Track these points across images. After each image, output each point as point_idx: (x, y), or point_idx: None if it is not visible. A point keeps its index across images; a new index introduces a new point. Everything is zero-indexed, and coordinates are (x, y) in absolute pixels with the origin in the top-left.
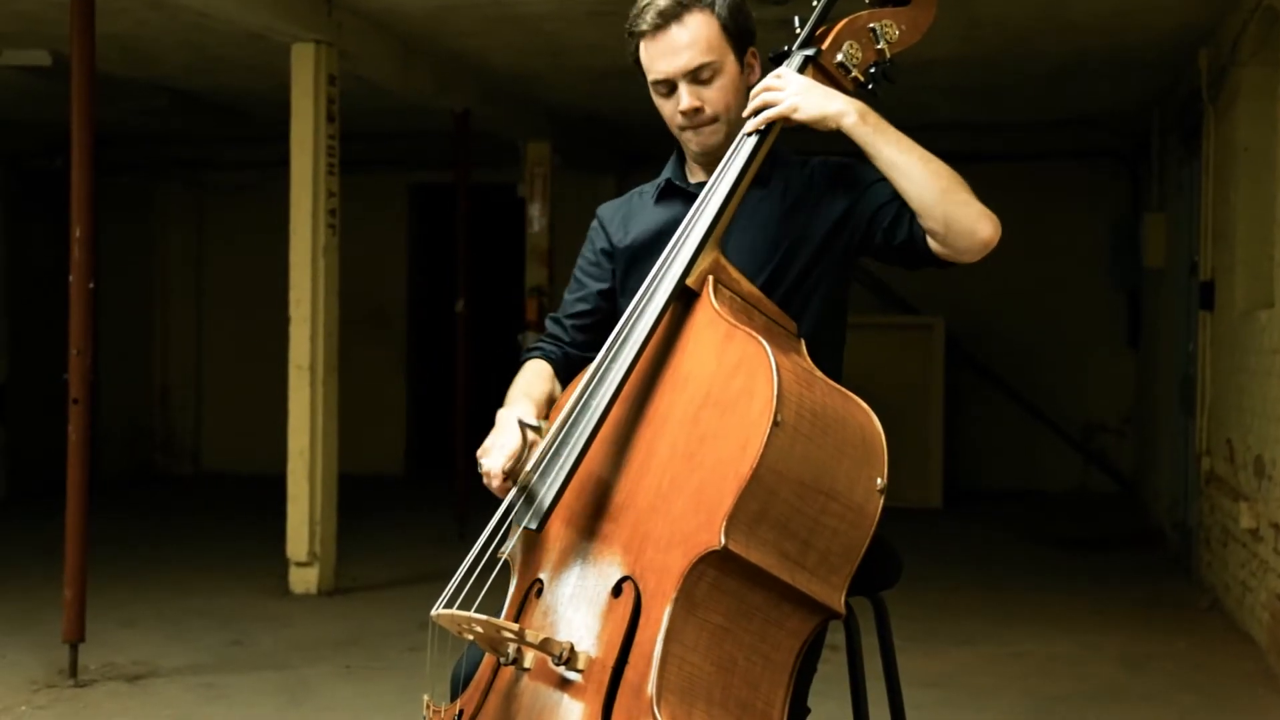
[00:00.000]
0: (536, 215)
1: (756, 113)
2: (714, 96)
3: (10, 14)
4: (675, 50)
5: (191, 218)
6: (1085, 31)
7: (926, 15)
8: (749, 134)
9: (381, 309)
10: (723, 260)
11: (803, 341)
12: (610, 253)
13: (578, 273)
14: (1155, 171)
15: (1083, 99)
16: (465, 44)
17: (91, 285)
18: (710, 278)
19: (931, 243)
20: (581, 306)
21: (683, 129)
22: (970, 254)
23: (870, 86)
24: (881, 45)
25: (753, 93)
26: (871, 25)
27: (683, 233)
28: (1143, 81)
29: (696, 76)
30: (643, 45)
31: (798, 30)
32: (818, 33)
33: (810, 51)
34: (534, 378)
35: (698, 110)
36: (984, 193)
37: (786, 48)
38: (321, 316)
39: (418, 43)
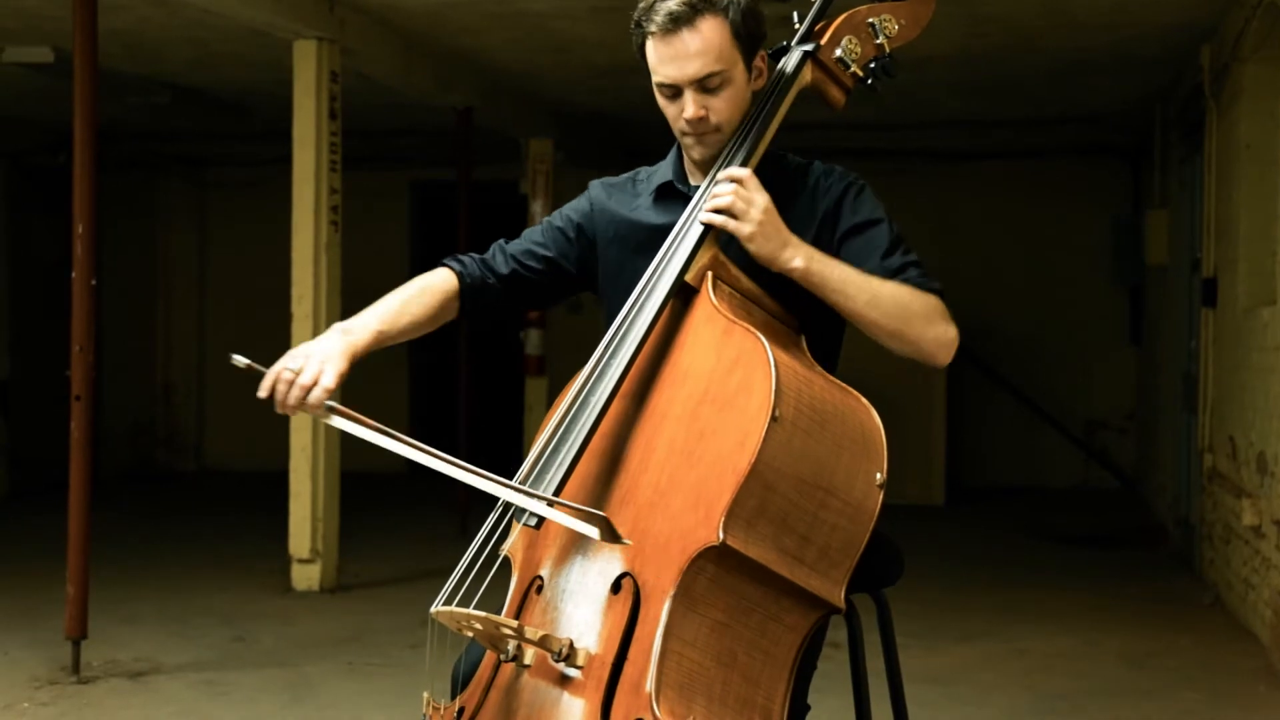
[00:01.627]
0: (539, 212)
1: (719, 210)
2: (720, 106)
3: (12, 10)
4: (685, 56)
5: (194, 214)
6: (1087, 28)
7: (926, 10)
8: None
9: None
10: (722, 257)
11: (803, 337)
12: (590, 237)
13: (548, 225)
14: (1157, 168)
15: (1085, 95)
16: (467, 41)
17: (94, 282)
18: (709, 274)
19: None
20: (532, 261)
21: (685, 134)
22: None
23: (870, 81)
24: (881, 40)
25: (718, 188)
26: (870, 20)
27: (681, 229)
28: (1145, 78)
29: (704, 85)
30: (650, 43)
31: (796, 26)
32: (816, 28)
33: (809, 47)
34: (414, 301)
35: (702, 119)
36: (987, 190)
37: (785, 44)
38: (323, 313)
39: (420, 40)
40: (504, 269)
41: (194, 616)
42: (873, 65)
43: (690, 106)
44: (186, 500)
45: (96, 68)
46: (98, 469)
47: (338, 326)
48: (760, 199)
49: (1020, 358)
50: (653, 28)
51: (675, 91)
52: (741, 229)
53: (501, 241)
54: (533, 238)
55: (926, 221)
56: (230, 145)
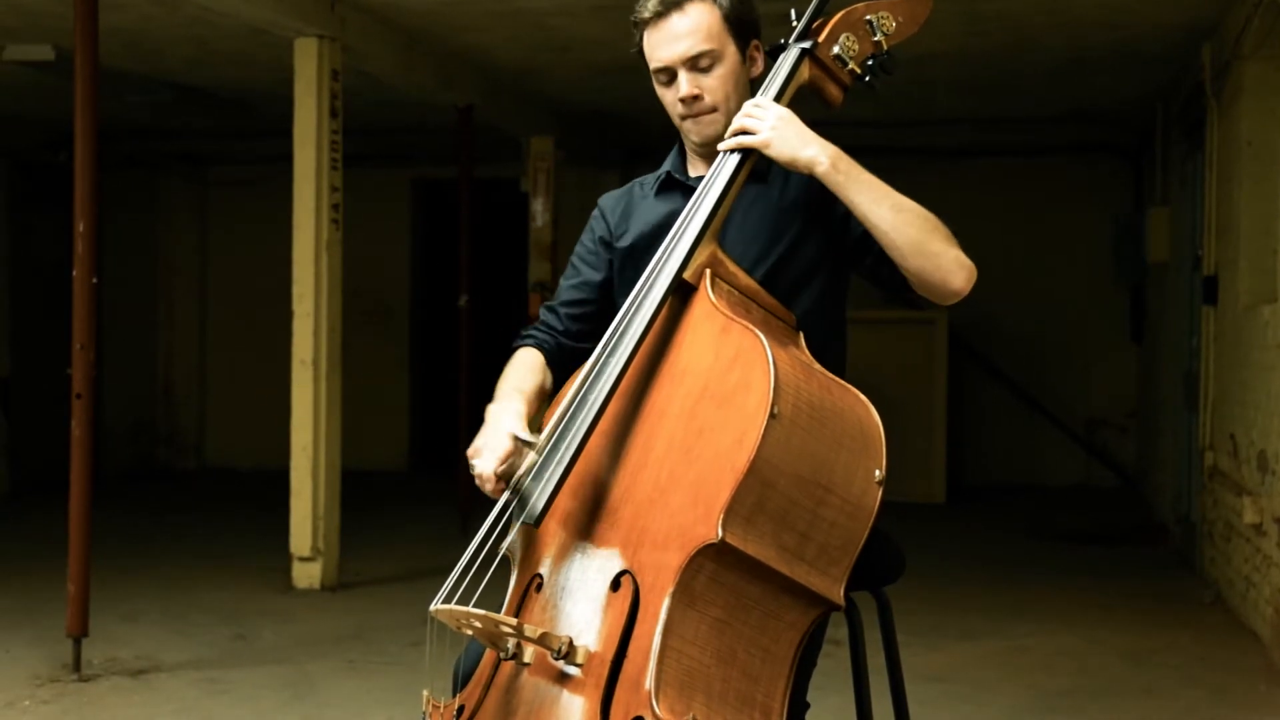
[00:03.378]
0: (539, 210)
1: (737, 134)
2: (713, 85)
3: (13, 8)
4: (675, 37)
5: (195, 212)
6: (1088, 25)
7: (924, 7)
8: (729, 152)
9: (384, 304)
10: (720, 254)
11: (801, 334)
12: (609, 243)
13: (575, 260)
14: (1158, 166)
15: (1086, 93)
16: (469, 39)
17: (95, 280)
18: (708, 271)
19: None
20: (576, 295)
21: (683, 118)
22: (942, 301)
23: (867, 79)
24: (878, 37)
25: (737, 118)
26: (868, 17)
27: (680, 226)
28: (1146, 76)
29: (696, 64)
30: (645, 34)
31: (794, 24)
32: (814, 26)
33: (806, 45)
34: (525, 370)
35: (697, 98)
36: (987, 188)
37: (783, 41)
38: (324, 312)
39: (421, 38)
40: (561, 326)
41: (195, 614)
42: (870, 63)
43: (684, 85)
44: (187, 498)
45: (97, 66)
46: (99, 467)
47: (502, 409)
48: (772, 108)
49: (1021, 355)
50: (646, 14)
51: (671, 75)
52: (755, 140)
53: (545, 305)
54: (568, 279)
55: None
56: (231, 143)
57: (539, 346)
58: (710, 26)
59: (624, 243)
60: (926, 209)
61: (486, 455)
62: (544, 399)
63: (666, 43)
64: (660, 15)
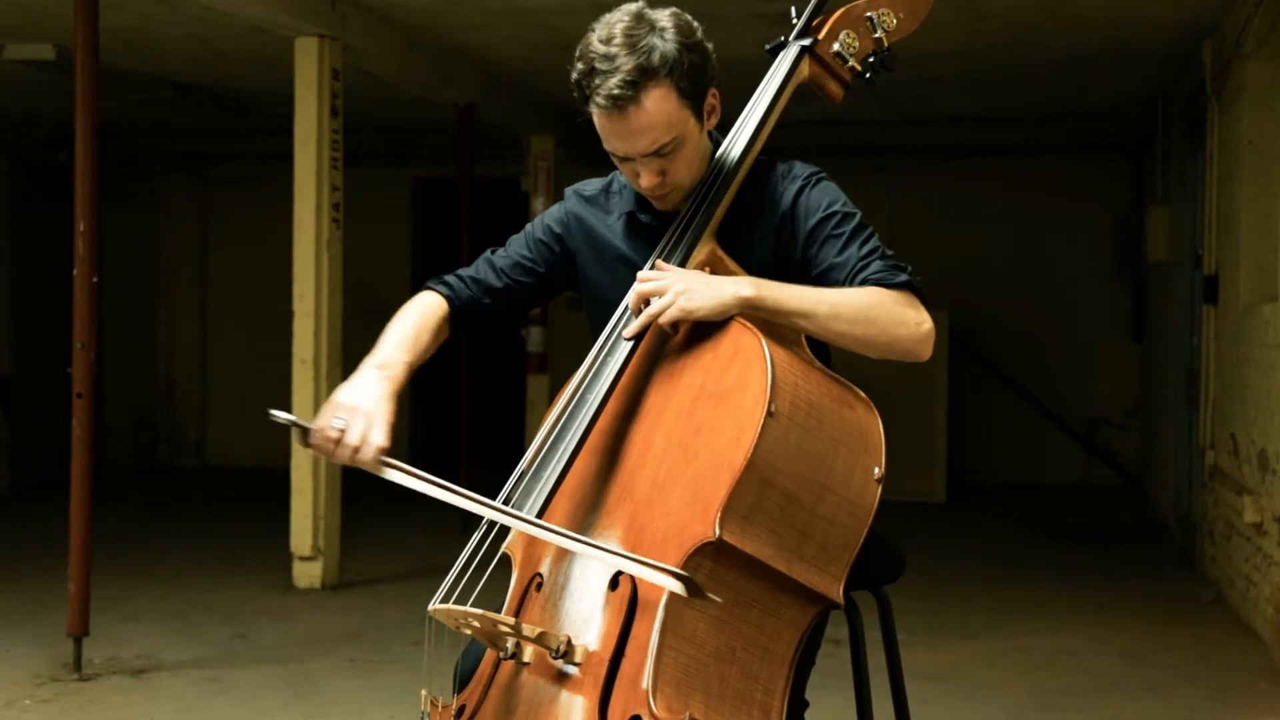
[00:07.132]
0: (540, 210)
1: (644, 316)
2: (675, 168)
3: (14, 7)
4: (634, 133)
5: (196, 211)
6: (1089, 24)
7: (924, 4)
8: (628, 338)
9: (385, 302)
10: (719, 251)
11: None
12: (570, 248)
13: (531, 237)
14: (1159, 164)
15: (1087, 92)
16: (469, 38)
17: (96, 279)
18: (707, 269)
19: None
20: (522, 275)
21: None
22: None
23: (868, 76)
24: (879, 34)
25: (631, 291)
26: (869, 14)
27: (680, 226)
28: (1147, 74)
29: (657, 154)
30: (593, 112)
31: (794, 21)
32: (814, 23)
33: (806, 42)
34: (422, 324)
35: (660, 183)
36: (988, 186)
37: (783, 38)
38: (325, 310)
39: (421, 36)
40: (498, 283)
41: (195, 613)
42: (871, 59)
43: (645, 176)
44: (188, 497)
45: (98, 65)
46: (100, 465)
47: (373, 364)
48: (667, 275)
49: (1022, 354)
50: (591, 106)
51: (627, 156)
52: (675, 314)
53: (489, 254)
54: (521, 251)
55: (928, 218)
56: (232, 142)
57: (450, 300)
58: (669, 114)
59: (592, 262)
60: (869, 290)
61: (378, 428)
62: (420, 364)
63: (622, 137)
64: (615, 110)
